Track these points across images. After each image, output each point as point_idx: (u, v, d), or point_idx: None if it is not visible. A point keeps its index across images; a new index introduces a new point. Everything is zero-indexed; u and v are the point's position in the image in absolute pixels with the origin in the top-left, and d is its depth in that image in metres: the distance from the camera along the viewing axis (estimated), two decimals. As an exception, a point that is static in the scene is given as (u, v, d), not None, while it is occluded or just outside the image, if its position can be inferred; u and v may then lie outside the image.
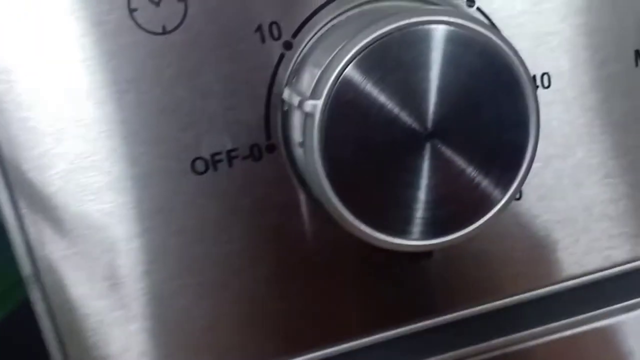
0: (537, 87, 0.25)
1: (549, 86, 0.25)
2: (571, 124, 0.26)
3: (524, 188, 0.26)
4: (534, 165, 0.25)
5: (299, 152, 0.22)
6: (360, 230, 0.21)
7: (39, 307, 0.23)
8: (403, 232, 0.21)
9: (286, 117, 0.23)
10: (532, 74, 0.25)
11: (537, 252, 0.27)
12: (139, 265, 0.23)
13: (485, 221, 0.21)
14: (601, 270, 0.28)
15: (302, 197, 0.24)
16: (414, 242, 0.21)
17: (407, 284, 0.26)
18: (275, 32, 0.23)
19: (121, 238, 0.23)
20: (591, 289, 0.28)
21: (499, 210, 0.21)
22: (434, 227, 0.21)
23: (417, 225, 0.21)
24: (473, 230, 0.21)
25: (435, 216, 0.21)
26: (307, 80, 0.22)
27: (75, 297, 0.23)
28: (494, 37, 0.21)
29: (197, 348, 0.24)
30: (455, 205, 0.21)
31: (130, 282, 0.23)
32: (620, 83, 0.26)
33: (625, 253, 0.28)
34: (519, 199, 0.26)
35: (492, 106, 0.21)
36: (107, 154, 0.22)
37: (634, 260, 0.28)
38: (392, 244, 0.21)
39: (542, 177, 0.26)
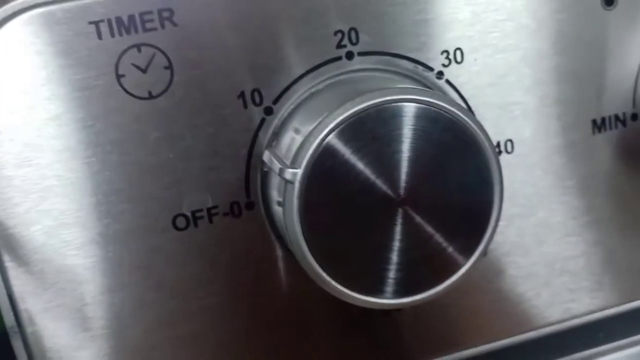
0: (501, 152, 0.25)
1: (512, 151, 0.24)
2: (533, 186, 0.25)
3: (490, 246, 0.24)
4: (499, 223, 0.24)
5: (277, 209, 0.21)
6: (336, 289, 0.20)
7: (21, 357, 0.21)
8: (376, 291, 0.20)
9: (265, 176, 0.22)
10: (496, 140, 0.24)
11: (501, 304, 0.26)
12: (119, 319, 0.22)
13: (452, 282, 0.20)
14: (562, 321, 0.27)
15: (279, 252, 0.23)
16: (386, 300, 0.20)
17: (378, 336, 0.25)
18: (257, 99, 0.22)
19: (102, 292, 0.21)
20: (552, 339, 0.27)
21: (464, 274, 0.20)
22: (405, 287, 0.20)
23: (389, 285, 0.20)
24: (440, 291, 0.20)
25: (406, 277, 0.20)
26: (287, 144, 0.21)
27: (56, 348, 0.22)
28: (459, 113, 0.20)
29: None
30: (425, 267, 0.20)
31: (108, 335, 0.22)
32: (578, 149, 0.25)
33: (584, 306, 0.27)
34: (484, 255, 0.25)
35: (458, 176, 0.20)
36: (91, 211, 0.21)
37: (592, 313, 0.27)
38: (366, 302, 0.20)
39: (506, 235, 0.25)
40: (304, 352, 0.23)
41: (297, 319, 0.23)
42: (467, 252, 0.20)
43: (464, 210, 0.20)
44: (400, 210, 0.20)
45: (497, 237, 0.25)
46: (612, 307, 0.27)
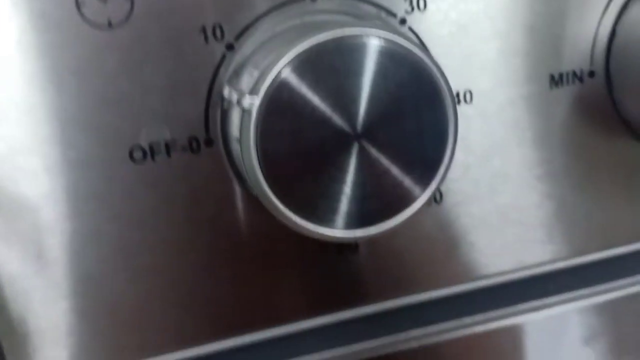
0: (460, 102, 0.25)
1: (471, 102, 0.25)
2: (490, 136, 0.25)
3: (445, 193, 0.25)
4: (454, 172, 0.25)
5: (236, 147, 0.21)
6: (289, 219, 0.20)
7: (-29, 284, 0.21)
8: (328, 222, 0.20)
9: (225, 114, 0.22)
10: (456, 90, 0.25)
11: (454, 251, 0.26)
12: (72, 247, 0.22)
13: (406, 216, 0.21)
14: (512, 272, 0.27)
15: (238, 190, 0.23)
16: (337, 232, 0.20)
17: (333, 276, 0.25)
18: (219, 34, 0.21)
19: (55, 220, 0.21)
20: (502, 289, 0.28)
21: (418, 206, 0.21)
22: (357, 220, 0.21)
23: (341, 217, 0.20)
24: (394, 224, 0.21)
25: (360, 209, 0.20)
26: (247, 80, 0.21)
27: (9, 275, 0.21)
28: (422, 55, 0.20)
29: (126, 329, 0.22)
30: (379, 201, 0.20)
31: (62, 262, 0.22)
32: (535, 103, 0.26)
33: (535, 257, 0.27)
34: (439, 202, 0.25)
35: (416, 115, 0.21)
36: (46, 138, 0.21)
37: (543, 264, 0.28)
38: (317, 233, 0.20)
39: (461, 184, 0.25)
40: (260, 288, 0.24)
41: (254, 256, 0.23)
42: (422, 184, 0.20)
43: (420, 146, 0.20)
44: (356, 144, 0.20)
45: (453, 186, 0.25)
46: (562, 259, 0.28)
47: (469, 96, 0.25)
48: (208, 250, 0.23)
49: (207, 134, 0.22)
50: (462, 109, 0.25)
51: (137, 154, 0.21)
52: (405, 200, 0.20)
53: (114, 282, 0.22)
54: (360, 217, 0.20)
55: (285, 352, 0.25)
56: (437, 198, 0.25)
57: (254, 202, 0.22)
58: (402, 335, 0.26)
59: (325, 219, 0.20)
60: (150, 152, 0.21)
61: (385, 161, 0.20)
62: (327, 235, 0.20)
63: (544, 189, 0.27)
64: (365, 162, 0.20)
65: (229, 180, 0.22)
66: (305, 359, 0.25)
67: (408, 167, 0.20)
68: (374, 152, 0.20)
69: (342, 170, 0.20)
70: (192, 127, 0.22)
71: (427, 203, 0.23)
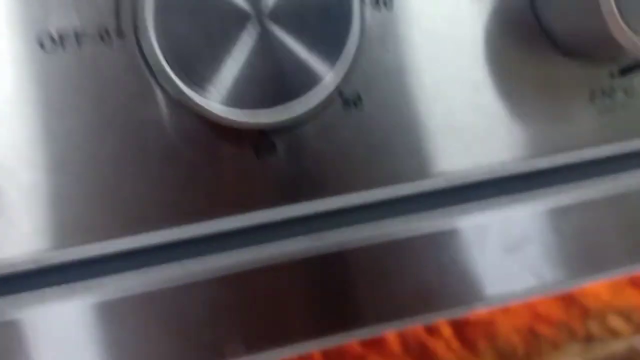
0: (380, 7, 0.25)
1: (390, 8, 0.25)
2: (409, 44, 0.26)
3: (364, 98, 0.26)
4: (373, 79, 0.25)
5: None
6: (176, 87, 0.21)
7: None
8: (229, 102, 0.21)
9: (137, 3, 0.22)
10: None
11: (373, 157, 0.27)
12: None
13: (313, 102, 0.21)
14: (431, 178, 0.28)
15: (150, 85, 0.23)
16: (242, 113, 0.21)
17: (249, 178, 0.25)
18: None
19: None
20: (422, 196, 0.28)
21: (326, 92, 0.21)
22: (263, 101, 0.21)
23: (245, 98, 0.21)
24: (301, 110, 0.21)
25: (265, 90, 0.21)
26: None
27: None
28: None
29: (40, 220, 0.23)
30: (283, 82, 0.21)
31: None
32: (455, 12, 0.26)
33: (454, 165, 0.28)
34: (358, 107, 0.26)
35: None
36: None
37: (462, 173, 0.28)
38: (219, 116, 0.21)
39: (380, 91, 0.26)
40: (171, 188, 0.24)
41: (166, 154, 0.24)
42: (325, 69, 0.21)
43: (325, 32, 0.21)
44: (258, 24, 0.20)
45: (373, 91, 0.26)
46: (483, 169, 0.28)
47: (389, 2, 0.25)
48: (118, 145, 0.23)
49: (118, 25, 0.22)
50: (382, 15, 0.25)
51: (47, 43, 0.22)
52: (309, 82, 0.21)
53: (26, 172, 0.22)
54: (266, 98, 0.21)
55: (196, 252, 0.25)
56: (355, 102, 0.26)
57: (168, 98, 0.23)
58: (316, 237, 0.27)
59: (228, 98, 0.20)
60: (60, 41, 0.22)
61: (289, 42, 0.20)
62: (230, 120, 0.21)
63: (465, 98, 0.27)
64: (267, 43, 0.20)
65: (141, 74, 0.23)
66: (216, 258, 0.26)
67: (312, 49, 0.21)
68: (277, 32, 0.20)
69: (245, 50, 0.20)
70: (103, 17, 0.22)
71: (344, 106, 0.24)
